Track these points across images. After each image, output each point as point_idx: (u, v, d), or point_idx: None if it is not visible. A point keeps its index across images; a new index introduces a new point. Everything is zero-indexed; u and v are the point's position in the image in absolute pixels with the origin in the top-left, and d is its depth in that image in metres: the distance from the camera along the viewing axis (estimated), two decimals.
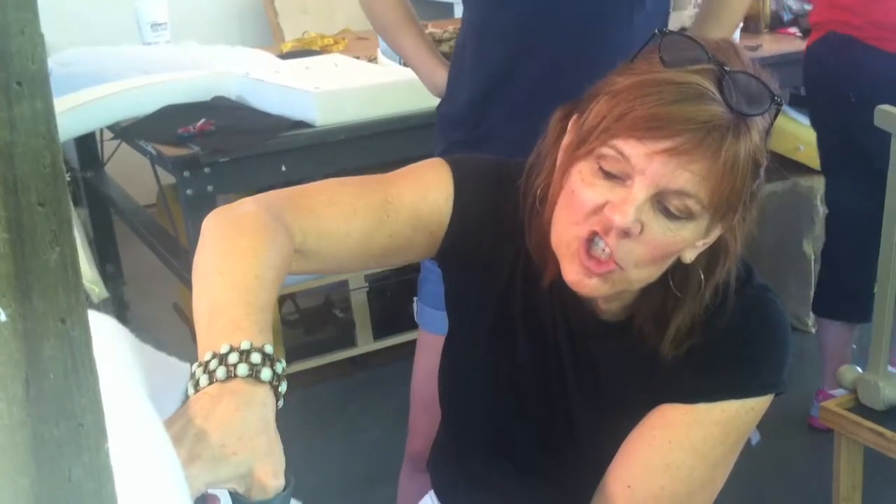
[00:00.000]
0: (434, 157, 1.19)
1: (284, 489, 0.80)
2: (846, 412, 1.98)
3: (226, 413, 0.80)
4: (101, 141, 3.55)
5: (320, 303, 3.49)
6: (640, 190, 0.95)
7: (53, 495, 0.41)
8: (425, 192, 1.13)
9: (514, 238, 1.13)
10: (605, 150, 0.97)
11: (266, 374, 0.84)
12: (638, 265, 1.00)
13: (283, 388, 0.85)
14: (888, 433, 1.91)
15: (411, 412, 1.98)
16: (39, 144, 0.36)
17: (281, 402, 0.85)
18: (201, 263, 0.98)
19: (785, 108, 3.70)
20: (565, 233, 1.02)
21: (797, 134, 3.55)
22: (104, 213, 3.77)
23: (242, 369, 0.83)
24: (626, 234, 0.97)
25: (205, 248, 0.99)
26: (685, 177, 0.95)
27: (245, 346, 0.84)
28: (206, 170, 2.37)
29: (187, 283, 2.83)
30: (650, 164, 0.95)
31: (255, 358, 0.84)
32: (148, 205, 3.69)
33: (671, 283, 1.05)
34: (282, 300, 3.36)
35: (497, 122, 1.74)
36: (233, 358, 0.83)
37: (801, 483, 2.66)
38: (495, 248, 1.15)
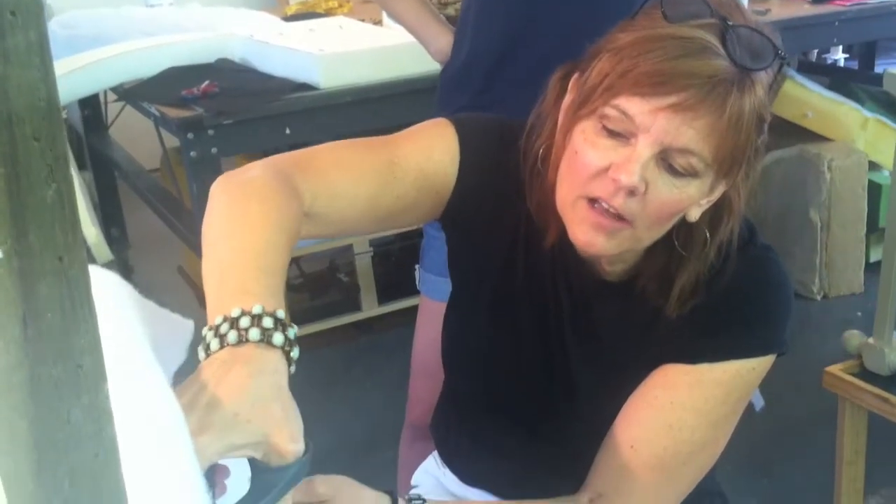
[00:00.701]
0: (438, 117, 1.18)
1: (304, 454, 0.79)
2: (851, 377, 1.98)
3: (238, 380, 0.78)
4: (105, 103, 3.54)
5: (325, 267, 3.49)
6: (644, 148, 0.95)
7: (52, 438, 0.40)
8: (430, 153, 1.12)
9: (517, 199, 1.12)
10: (608, 111, 0.96)
11: (278, 338, 0.82)
12: (645, 224, 0.99)
13: (294, 353, 0.84)
14: (893, 398, 1.90)
15: (412, 380, 1.98)
16: (34, 77, 0.35)
17: (293, 368, 0.84)
18: (210, 229, 0.96)
19: (793, 73, 3.69)
20: (570, 194, 1.01)
21: (805, 100, 3.53)
22: (108, 177, 3.76)
23: (254, 334, 0.81)
24: (632, 193, 0.96)
25: (213, 214, 0.98)
26: (689, 134, 0.94)
27: (257, 310, 0.83)
28: (210, 132, 2.36)
29: (192, 246, 2.83)
30: (654, 122, 0.94)
31: (267, 322, 0.82)
32: (152, 169, 3.68)
33: (676, 242, 1.05)
34: None
35: (504, 90, 1.72)
36: (244, 322, 0.82)
37: (804, 448, 2.67)
38: (498, 209, 1.14)
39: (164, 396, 0.74)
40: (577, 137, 1.00)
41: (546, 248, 1.11)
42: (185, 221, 2.85)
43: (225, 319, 0.83)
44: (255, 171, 1.02)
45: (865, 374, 1.98)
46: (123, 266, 3.51)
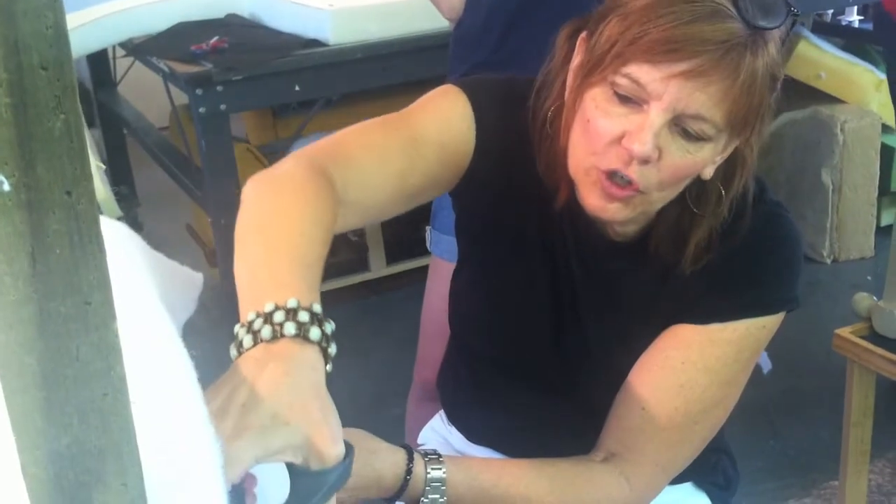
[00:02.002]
0: (445, 84, 1.15)
1: (345, 458, 0.74)
2: (860, 340, 1.98)
3: (274, 378, 0.73)
4: (114, 58, 3.52)
5: None
6: (656, 115, 0.93)
7: (61, 374, 0.40)
8: (448, 124, 1.10)
9: (528, 158, 1.11)
10: (618, 79, 0.95)
11: (315, 333, 0.77)
12: (659, 188, 0.99)
13: (332, 349, 0.80)
14: None
15: (421, 340, 1.97)
16: (41, 3, 0.34)
17: (329, 366, 0.79)
18: (242, 227, 0.92)
19: (807, 34, 3.65)
20: (584, 161, 1.00)
21: (819, 61, 3.49)
22: (117, 134, 3.76)
23: (289, 328, 0.76)
24: (645, 161, 0.95)
25: (245, 212, 0.93)
26: (702, 99, 0.92)
27: (292, 304, 0.78)
28: (219, 88, 2.35)
29: (200, 203, 2.82)
30: (666, 89, 0.92)
31: (303, 317, 0.78)
32: (162, 128, 3.67)
33: (688, 199, 1.04)
34: None
35: (520, 45, 1.70)
36: (278, 316, 0.77)
37: (812, 410, 2.67)
38: (511, 169, 1.13)
39: (173, 348, 0.73)
40: (589, 105, 0.98)
41: (556, 210, 1.10)
42: (194, 179, 2.84)
43: (258, 315, 0.78)
44: (286, 165, 0.98)
45: (875, 337, 1.98)
46: (132, 223, 3.51)
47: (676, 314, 1.08)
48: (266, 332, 0.77)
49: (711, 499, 1.28)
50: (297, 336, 0.77)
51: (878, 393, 2.05)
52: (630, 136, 0.95)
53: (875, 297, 2.02)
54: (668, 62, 0.91)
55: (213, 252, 2.97)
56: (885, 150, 3.45)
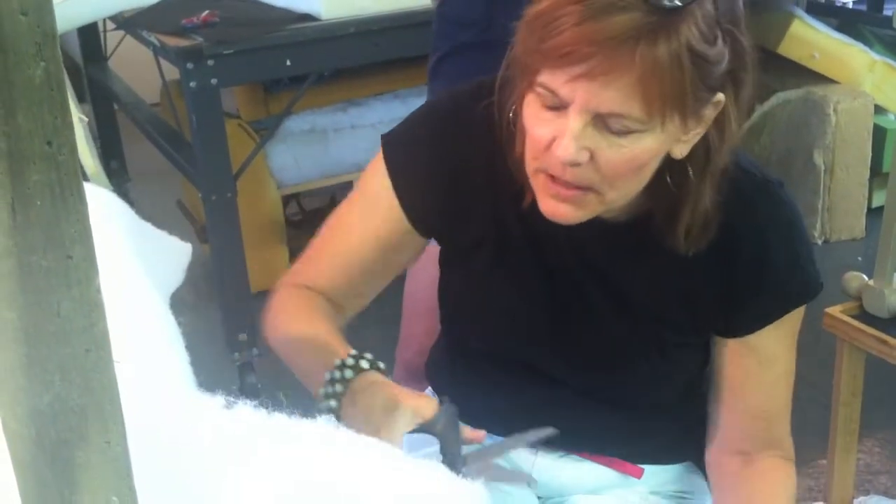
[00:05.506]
0: (377, 156, 1.17)
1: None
2: (850, 319, 1.98)
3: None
4: (105, 32, 3.50)
5: (325, 204, 3.47)
6: (574, 120, 0.92)
7: (42, 330, 0.39)
8: (374, 211, 1.16)
9: (490, 161, 1.10)
10: (537, 88, 0.94)
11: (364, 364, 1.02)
12: (610, 186, 0.97)
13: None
14: (891, 340, 1.90)
15: (404, 321, 1.94)
16: None
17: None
18: (284, 352, 1.16)
19: (801, 13, 3.65)
20: (530, 165, 1.00)
21: (813, 41, 3.49)
22: (108, 109, 3.73)
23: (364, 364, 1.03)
24: (575, 165, 0.94)
25: (279, 342, 1.17)
26: (610, 97, 0.90)
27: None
28: (210, 62, 2.33)
29: (192, 179, 2.81)
30: (575, 92, 0.91)
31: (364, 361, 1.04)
32: (153, 104, 3.65)
33: (669, 180, 1.01)
34: (286, 200, 3.34)
35: (509, 23, 1.68)
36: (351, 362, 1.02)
37: (801, 390, 2.67)
38: (472, 180, 1.12)
39: (158, 313, 0.73)
40: (525, 111, 0.98)
41: (524, 207, 1.08)
42: (185, 155, 2.82)
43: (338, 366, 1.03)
44: (280, 300, 1.19)
45: (865, 316, 1.98)
46: (123, 199, 3.49)
47: (726, 320, 1.12)
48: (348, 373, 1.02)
49: (706, 478, 1.28)
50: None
51: (868, 372, 2.06)
52: (556, 141, 0.94)
53: (866, 277, 2.02)
54: (567, 66, 0.90)
55: (203, 228, 2.96)
56: (878, 132, 3.45)
